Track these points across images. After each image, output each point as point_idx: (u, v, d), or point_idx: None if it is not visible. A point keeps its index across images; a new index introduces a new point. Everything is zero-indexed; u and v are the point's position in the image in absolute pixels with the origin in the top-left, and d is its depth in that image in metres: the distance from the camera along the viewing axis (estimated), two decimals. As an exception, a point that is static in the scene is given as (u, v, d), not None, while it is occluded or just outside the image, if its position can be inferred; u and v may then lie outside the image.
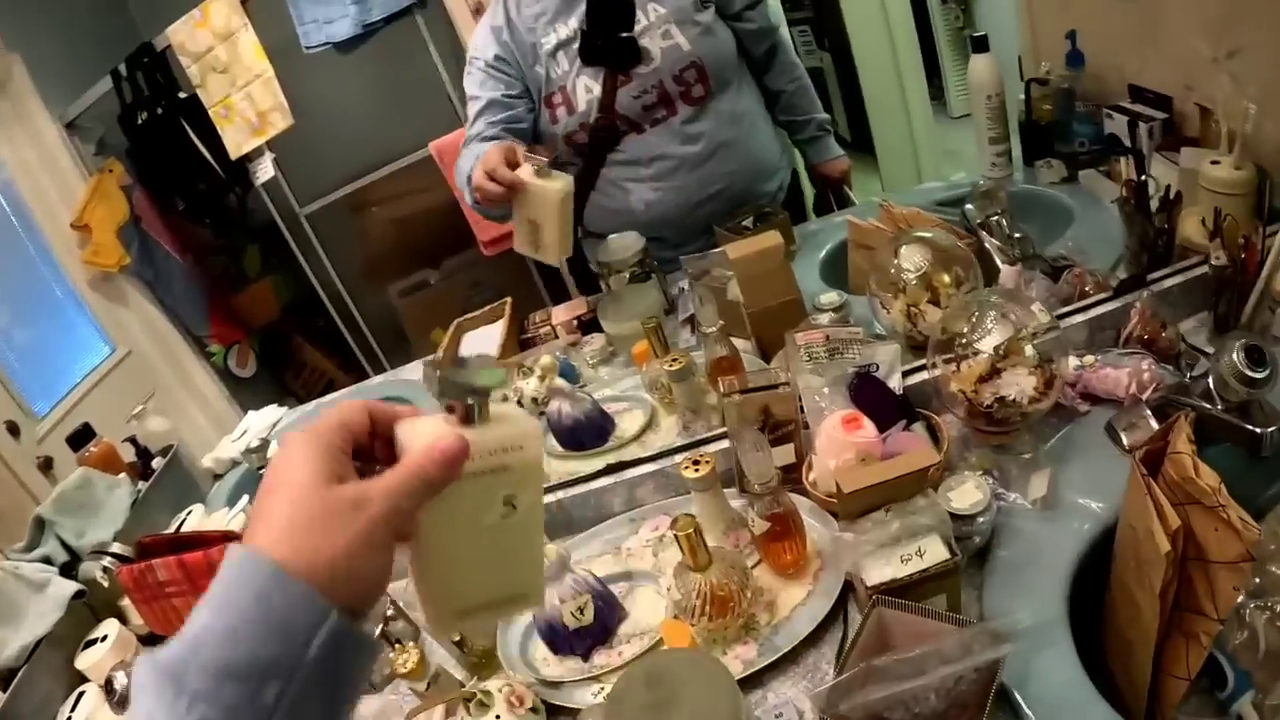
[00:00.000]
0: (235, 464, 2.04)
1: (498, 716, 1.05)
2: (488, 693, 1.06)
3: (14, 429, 2.23)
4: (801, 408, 1.25)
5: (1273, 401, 1.16)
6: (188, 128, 2.73)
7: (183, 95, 2.73)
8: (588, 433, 1.47)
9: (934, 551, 0.99)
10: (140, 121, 2.75)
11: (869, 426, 1.19)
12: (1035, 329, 1.24)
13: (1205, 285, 1.41)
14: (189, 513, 1.93)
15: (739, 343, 1.46)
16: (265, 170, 2.66)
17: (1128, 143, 1.63)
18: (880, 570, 0.99)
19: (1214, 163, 1.45)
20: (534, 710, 1.08)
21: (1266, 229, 1.32)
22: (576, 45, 1.70)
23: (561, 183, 1.50)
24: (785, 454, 1.24)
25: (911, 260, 1.44)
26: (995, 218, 1.53)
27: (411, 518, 0.58)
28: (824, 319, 1.43)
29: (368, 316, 2.90)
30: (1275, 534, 1.11)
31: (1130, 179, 1.49)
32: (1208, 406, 1.18)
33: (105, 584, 1.73)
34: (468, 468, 0.60)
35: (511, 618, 1.21)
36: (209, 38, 2.58)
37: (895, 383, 1.29)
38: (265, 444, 1.95)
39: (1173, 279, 1.43)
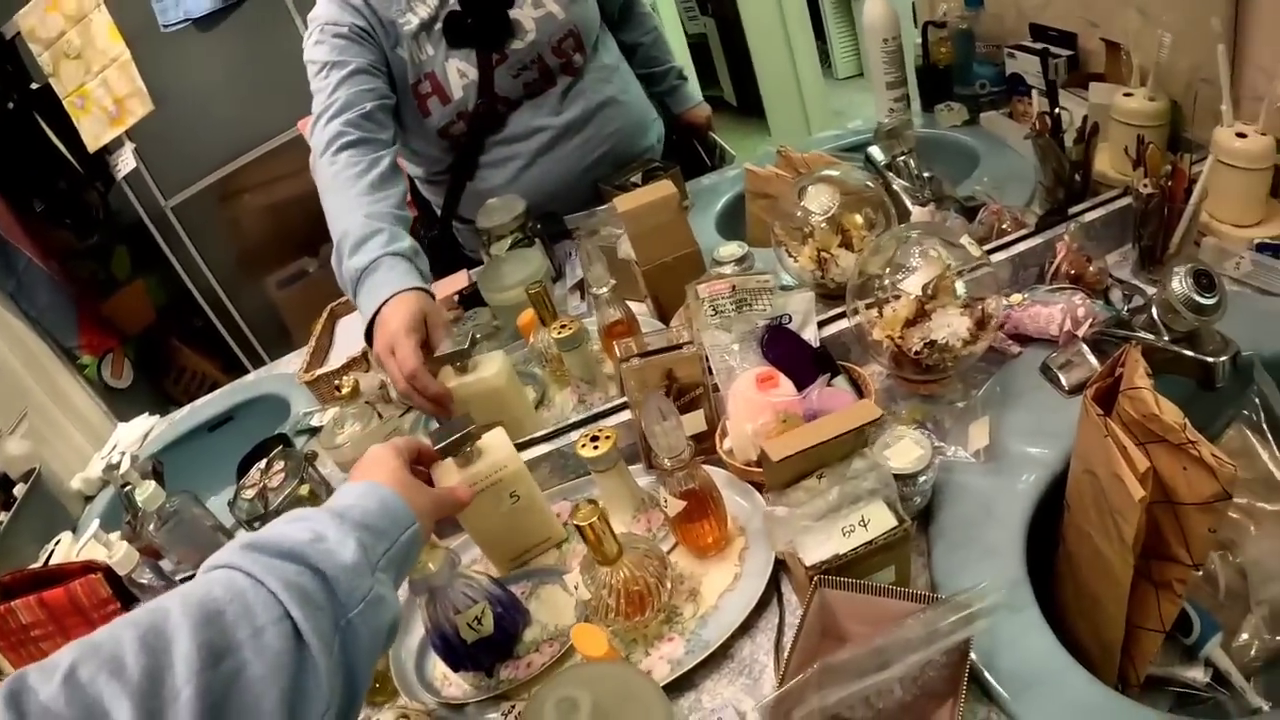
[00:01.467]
0: (105, 483, 1.83)
1: None
2: (380, 722, 0.90)
3: None
4: (709, 369, 1.11)
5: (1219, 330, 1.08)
6: (41, 122, 2.49)
7: (35, 86, 2.49)
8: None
9: (879, 519, 0.84)
10: (-10, 117, 2.49)
11: (786, 384, 1.05)
12: (964, 265, 1.12)
13: (1127, 218, 1.37)
14: (57, 542, 1.72)
15: (634, 305, 1.33)
16: (126, 162, 2.44)
17: (1031, 83, 1.59)
18: (820, 547, 0.85)
19: (1127, 95, 1.42)
20: None
21: (1192, 157, 1.27)
22: (439, 26, 1.50)
23: (496, 366, 1.21)
24: (695, 421, 1.11)
25: (818, 202, 1.32)
26: (902, 158, 1.45)
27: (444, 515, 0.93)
28: (726, 271, 1.27)
29: (245, 312, 2.69)
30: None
31: (1043, 112, 1.44)
32: (1152, 338, 1.09)
33: (-34, 628, 1.52)
34: (477, 489, 1.02)
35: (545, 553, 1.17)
36: (60, 21, 2.36)
37: (811, 334, 1.16)
38: (131, 458, 1.72)
39: (1094, 212, 1.38)
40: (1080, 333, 1.18)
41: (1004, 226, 1.40)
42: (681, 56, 1.93)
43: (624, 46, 1.78)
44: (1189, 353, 1.06)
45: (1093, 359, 1.15)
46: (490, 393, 1.18)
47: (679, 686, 0.91)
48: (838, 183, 1.32)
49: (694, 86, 1.94)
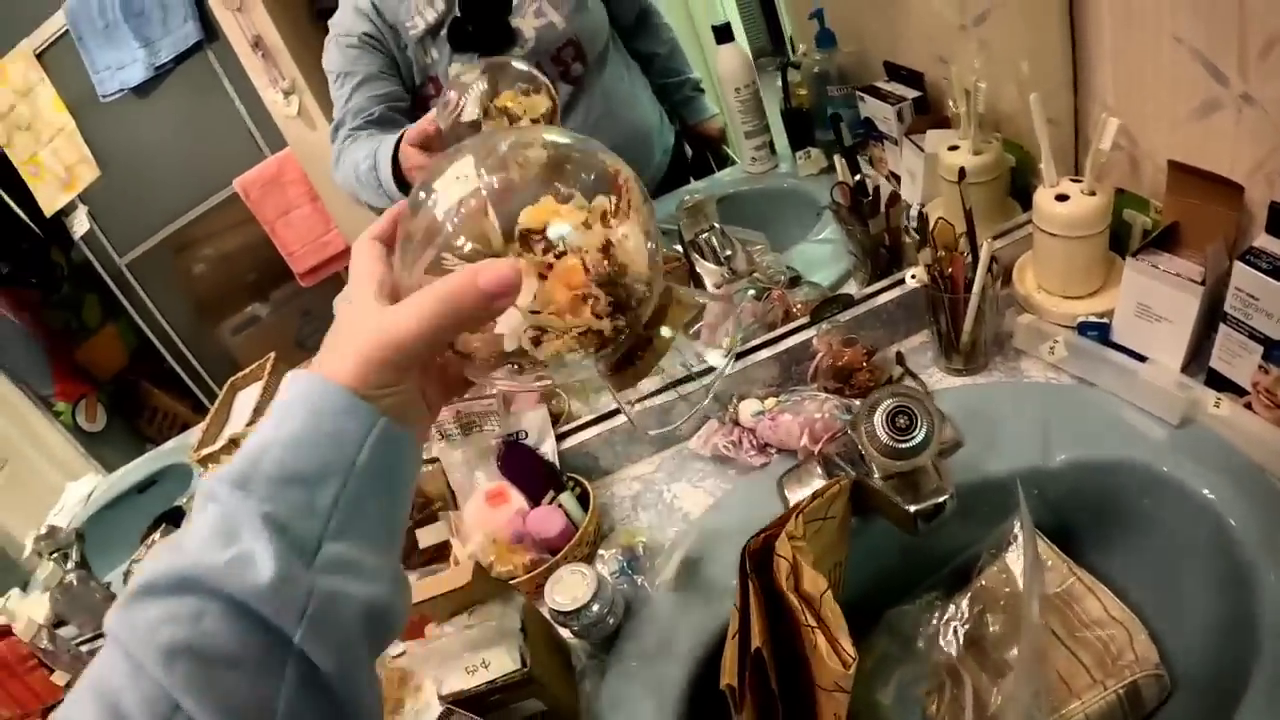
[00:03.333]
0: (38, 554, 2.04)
1: None
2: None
3: None
4: (448, 485, 1.23)
5: (958, 432, 1.02)
6: None
7: None
8: None
9: (499, 662, 0.96)
10: (-50, 189, 2.71)
11: (517, 498, 1.18)
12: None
13: (925, 300, 1.30)
14: (7, 598, 1.94)
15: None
16: (81, 224, 2.62)
17: (881, 129, 1.54)
18: (452, 679, 0.98)
19: (952, 148, 1.34)
20: None
21: (981, 231, 1.20)
22: (444, 33, 1.61)
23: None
24: (438, 531, 1.22)
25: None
26: (704, 235, 1.45)
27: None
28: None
29: (204, 358, 2.86)
30: (1001, 581, 1.06)
31: (843, 181, 1.42)
32: (863, 472, 1.02)
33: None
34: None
35: None
36: (10, 95, 2.53)
37: (549, 448, 1.26)
38: (50, 530, 1.94)
39: (885, 296, 1.33)
40: (816, 449, 1.15)
41: (792, 309, 1.38)
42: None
43: (639, 56, 1.82)
44: (890, 494, 0.98)
45: (820, 481, 1.09)
46: None
47: None
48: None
49: (708, 100, 1.95)
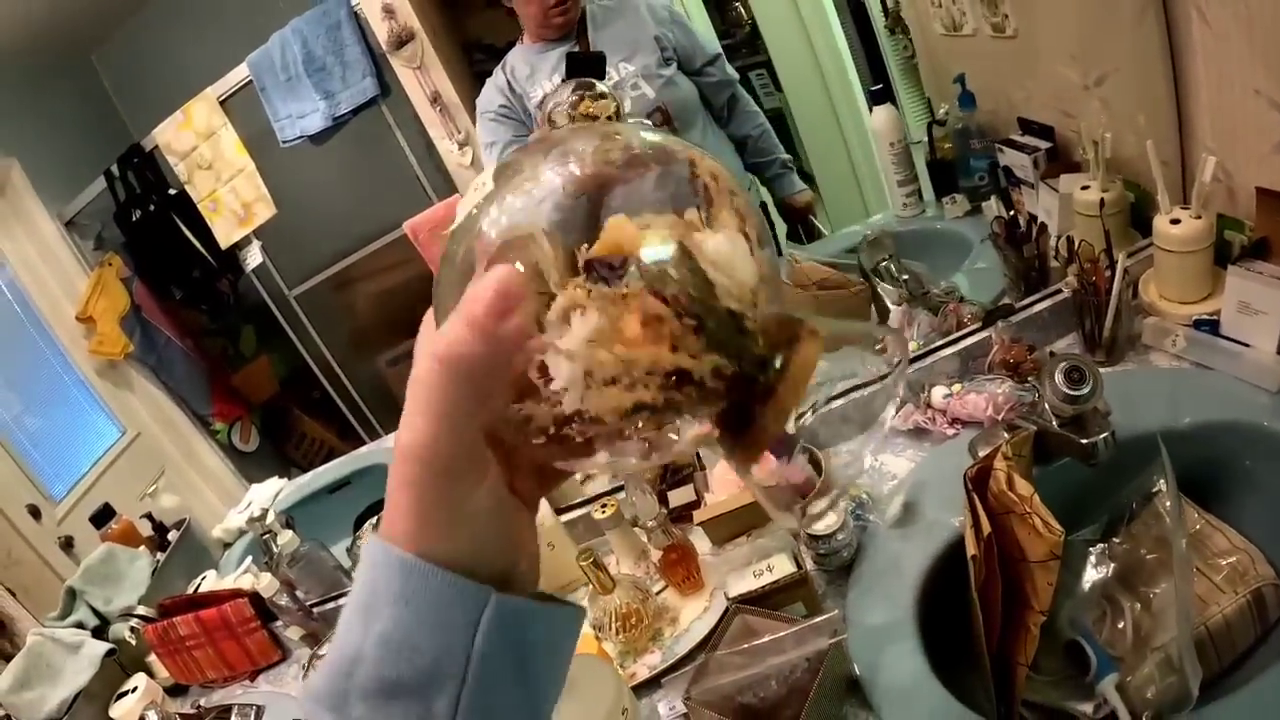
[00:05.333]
0: (242, 532, 2.40)
1: None
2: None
3: (35, 512, 2.54)
4: (698, 453, 1.60)
5: (1108, 404, 1.35)
6: (179, 221, 3.05)
7: (172, 191, 3.06)
8: None
9: (781, 567, 1.31)
10: (135, 218, 3.08)
11: (767, 459, 1.53)
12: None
13: (1071, 308, 1.65)
14: (203, 578, 2.29)
15: None
16: (254, 257, 3.01)
17: (1019, 175, 1.87)
18: (739, 584, 1.33)
19: (1084, 188, 1.68)
20: None
21: (1116, 248, 1.54)
22: None
23: None
24: (685, 493, 1.57)
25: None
26: (884, 263, 1.82)
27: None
28: None
29: (359, 386, 3.23)
30: (1147, 525, 1.35)
31: (1000, 215, 1.76)
32: (1044, 423, 1.39)
33: (133, 642, 2.11)
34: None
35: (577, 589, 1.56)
36: (192, 137, 2.92)
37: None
38: (265, 513, 2.31)
39: (1041, 304, 1.68)
40: (1000, 417, 1.51)
41: (964, 320, 1.73)
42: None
43: (735, 140, 2.23)
44: (1070, 435, 1.34)
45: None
46: None
47: (655, 684, 1.36)
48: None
49: (797, 176, 2.30)
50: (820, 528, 1.39)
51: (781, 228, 2.41)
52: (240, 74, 2.89)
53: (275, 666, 2.07)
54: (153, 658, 2.13)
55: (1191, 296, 1.60)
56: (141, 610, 2.15)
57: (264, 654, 2.06)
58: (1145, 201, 1.68)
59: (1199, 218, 1.53)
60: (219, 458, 3.06)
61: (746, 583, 1.31)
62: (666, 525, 1.44)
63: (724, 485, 1.48)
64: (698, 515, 1.35)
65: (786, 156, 2.30)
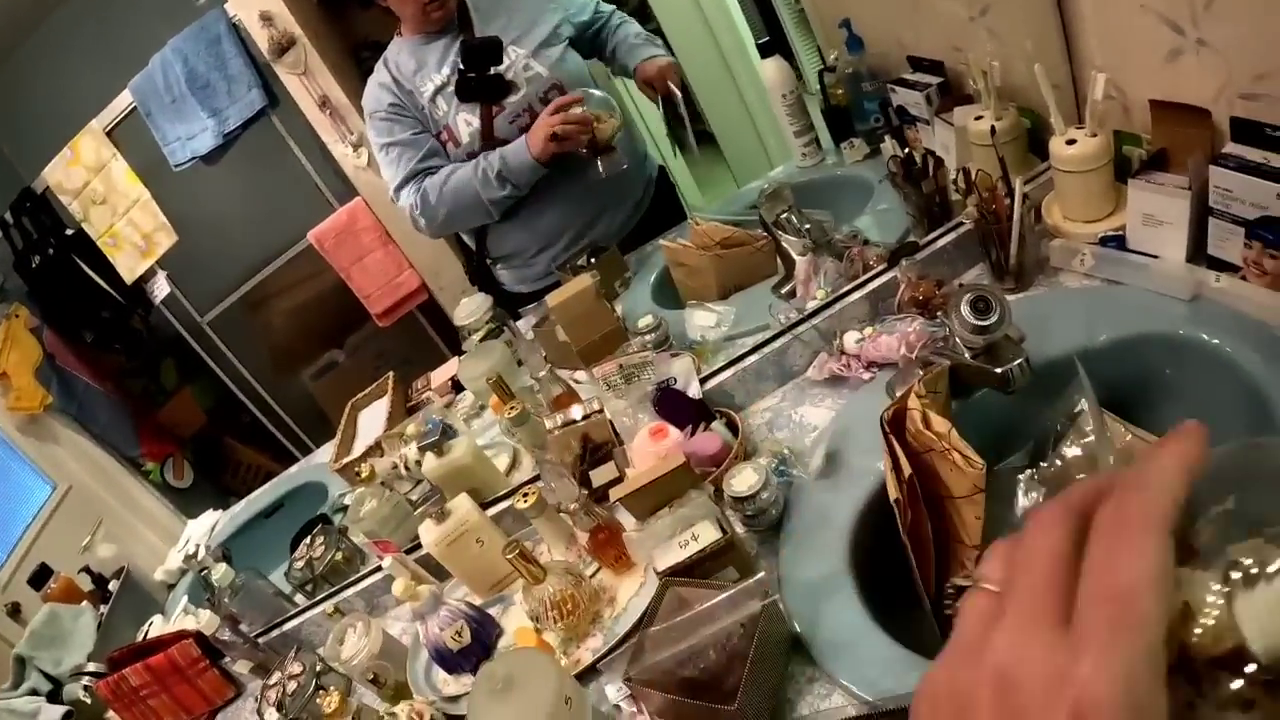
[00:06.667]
0: (184, 572, 2.41)
1: None
2: (393, 713, 1.42)
3: None
4: (614, 429, 1.61)
5: (1021, 330, 1.35)
6: (80, 262, 3.04)
7: (70, 231, 3.04)
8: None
9: (706, 534, 1.31)
10: (35, 264, 3.05)
11: (674, 433, 1.55)
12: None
13: (975, 239, 1.66)
14: (150, 624, 2.30)
15: (585, 372, 1.81)
16: (162, 288, 2.99)
17: (913, 114, 1.89)
18: (666, 557, 1.33)
19: (978, 118, 1.70)
20: None
21: (1013, 174, 1.55)
22: (450, 88, 2.09)
23: (462, 448, 1.78)
24: (607, 471, 1.57)
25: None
26: (785, 215, 1.81)
27: None
28: (647, 339, 1.77)
29: (286, 406, 3.23)
30: (1073, 446, 1.30)
31: (895, 155, 1.77)
32: (957, 357, 1.38)
33: (88, 700, 2.10)
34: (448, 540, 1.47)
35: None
36: (83, 173, 2.90)
37: (694, 390, 1.63)
38: (205, 548, 2.31)
39: (944, 239, 1.69)
40: (914, 355, 1.51)
41: (869, 263, 1.74)
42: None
43: (605, 54, 2.29)
44: (984, 365, 1.33)
45: (922, 375, 1.44)
46: (461, 469, 1.70)
47: (599, 669, 1.39)
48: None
49: (655, 46, 2.29)
50: (741, 488, 1.40)
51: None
52: (124, 101, 2.88)
53: (232, 703, 2.08)
54: (111, 714, 2.13)
55: (1095, 215, 1.63)
56: (91, 667, 2.14)
57: (218, 692, 2.06)
58: (1042, 126, 1.71)
59: (1095, 136, 1.56)
60: (155, 498, 3.05)
61: (673, 555, 1.33)
62: (589, 506, 1.46)
63: (644, 459, 1.50)
64: (614, 493, 1.37)
65: (642, 30, 2.34)
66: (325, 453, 2.42)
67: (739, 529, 1.45)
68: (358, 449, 2.13)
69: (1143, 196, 1.47)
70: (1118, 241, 1.54)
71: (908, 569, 1.25)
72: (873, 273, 1.72)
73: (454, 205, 2.14)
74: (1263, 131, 1.29)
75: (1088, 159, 1.55)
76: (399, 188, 2.19)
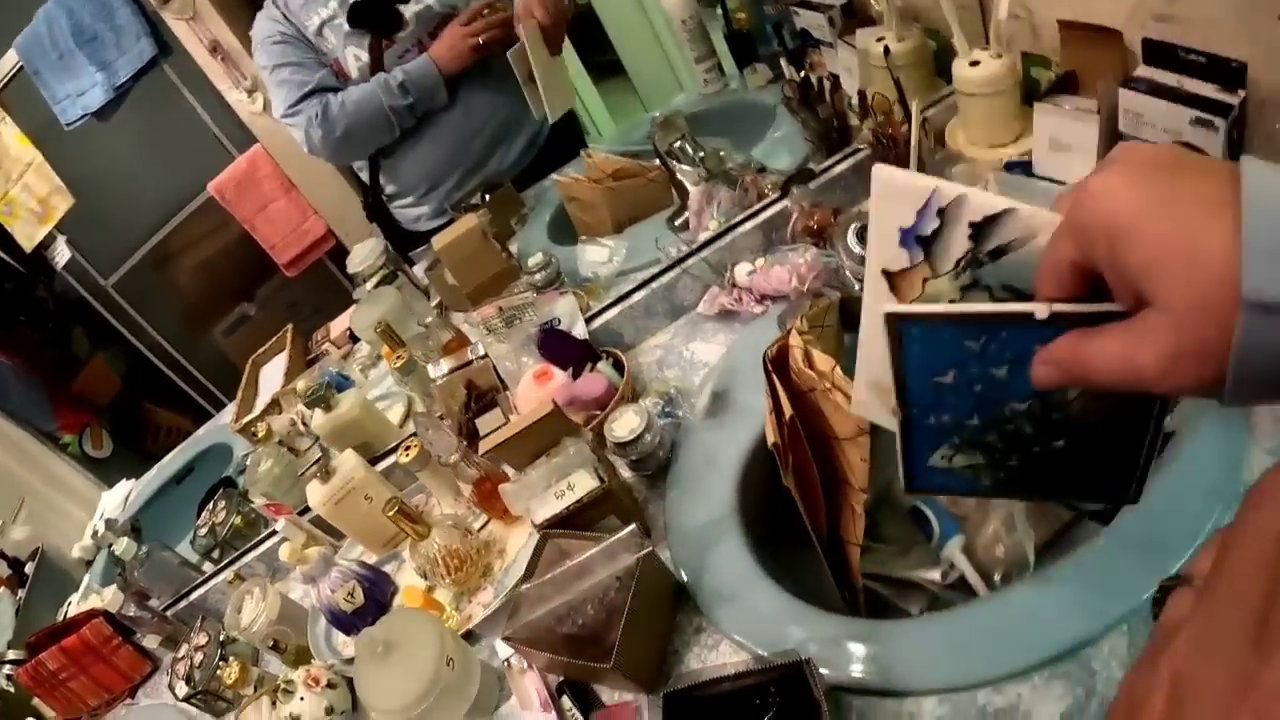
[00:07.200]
0: (99, 548, 2.32)
1: (300, 697, 1.32)
2: (290, 680, 1.35)
3: None
4: (499, 374, 1.54)
5: None
6: None
7: None
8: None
9: (582, 484, 1.24)
10: (-74, 242, 2.96)
11: (559, 376, 1.47)
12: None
13: (873, 164, 1.62)
14: (69, 603, 2.22)
15: (473, 316, 1.74)
16: (62, 254, 2.88)
17: (817, 36, 1.83)
18: (544, 508, 1.25)
19: (879, 40, 1.63)
20: (331, 685, 1.35)
21: (909, 97, 1.48)
22: (339, 20, 2.03)
23: (349, 402, 1.70)
24: (495, 418, 1.51)
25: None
26: (678, 144, 1.75)
27: None
28: (536, 279, 1.70)
29: (201, 365, 3.15)
30: None
31: (790, 78, 1.70)
32: (847, 290, 1.35)
33: (12, 690, 2.04)
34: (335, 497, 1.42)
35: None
36: (-30, 139, 2.78)
37: (579, 330, 1.57)
38: (109, 523, 2.23)
39: (840, 165, 1.63)
40: (805, 287, 1.45)
41: (764, 191, 1.67)
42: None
43: None
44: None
45: (811, 308, 1.39)
46: (349, 423, 1.63)
47: (493, 621, 1.33)
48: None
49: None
50: (622, 433, 1.33)
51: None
52: (10, 61, 2.75)
53: (150, 678, 2.01)
54: (37, 700, 2.06)
55: (1000, 140, 1.56)
56: (11, 655, 2.06)
57: (135, 669, 1.99)
58: (947, 49, 1.63)
59: (1000, 57, 1.49)
60: (76, 471, 2.95)
61: (550, 506, 1.26)
62: (469, 456, 1.39)
63: (529, 404, 1.43)
64: (483, 445, 1.29)
65: None
66: (229, 412, 2.32)
67: (626, 474, 1.38)
68: (258, 407, 2.04)
69: (1050, 120, 1.41)
70: (1024, 167, 1.48)
71: (797, 513, 1.18)
72: (765, 201, 1.65)
73: (355, 118, 2.06)
74: (1176, 54, 1.23)
75: (992, 81, 1.48)
76: (293, 106, 2.09)
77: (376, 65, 2.05)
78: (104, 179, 2.86)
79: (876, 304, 0.64)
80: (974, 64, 1.48)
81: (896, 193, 0.64)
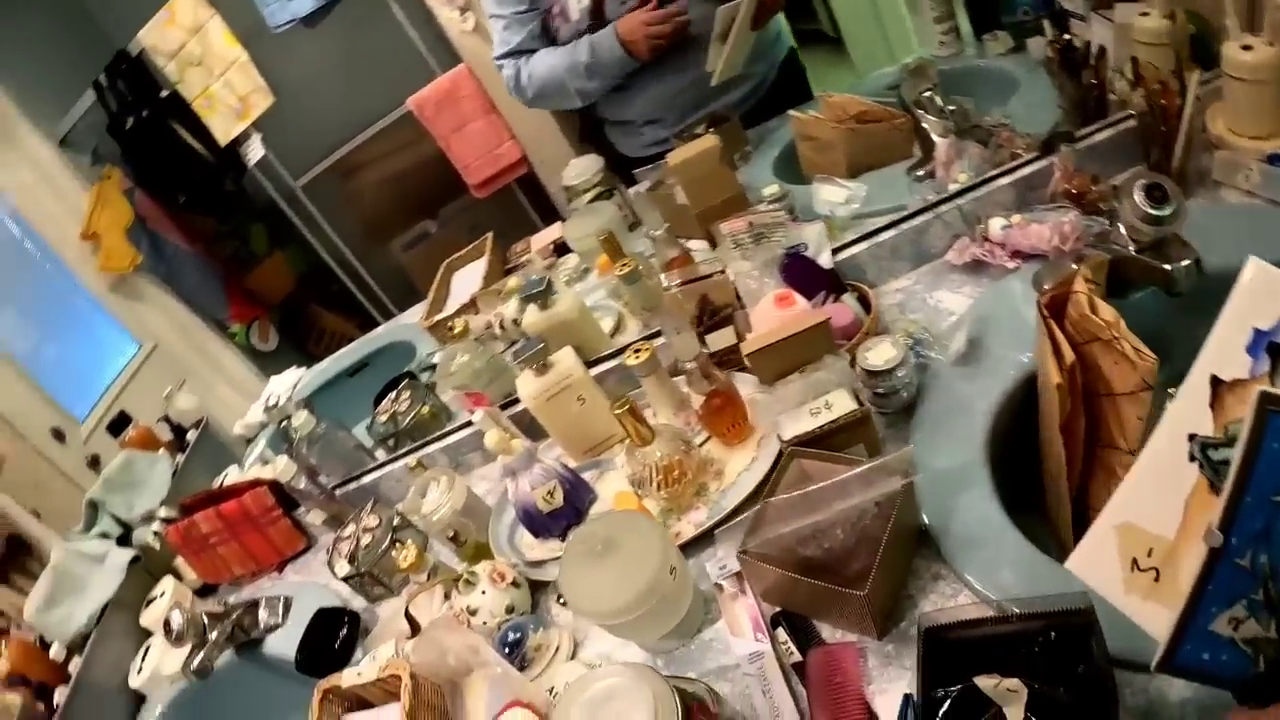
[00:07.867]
0: (264, 426, 2.32)
1: (483, 591, 1.29)
2: (474, 572, 1.31)
3: (59, 435, 2.49)
4: (737, 292, 1.46)
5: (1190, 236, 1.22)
6: (175, 124, 2.96)
7: (164, 94, 2.95)
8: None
9: (841, 404, 1.18)
10: (128, 126, 2.99)
11: (801, 302, 1.39)
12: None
13: (1136, 137, 1.52)
14: (225, 474, 2.23)
15: (697, 241, 1.70)
16: (256, 151, 2.89)
17: (1068, 7, 1.70)
18: (794, 425, 1.19)
19: (1143, 15, 1.53)
20: (515, 585, 1.32)
21: (1186, 72, 1.40)
22: None
23: (568, 302, 1.66)
24: (726, 335, 1.44)
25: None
26: (927, 94, 1.66)
27: None
28: (764, 208, 1.62)
29: (376, 275, 3.16)
30: None
31: (1053, 40, 1.63)
32: (1120, 249, 1.26)
33: (157, 546, 2.05)
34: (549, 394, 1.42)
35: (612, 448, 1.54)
36: (180, 34, 2.80)
37: (825, 259, 1.49)
38: (285, 400, 2.22)
39: (1101, 133, 1.55)
40: (1067, 247, 1.38)
41: (1017, 151, 1.59)
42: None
43: None
44: (1151, 260, 1.21)
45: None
46: (565, 324, 1.59)
47: (702, 542, 1.26)
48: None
49: None
50: (877, 362, 1.26)
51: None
52: (223, -40, 2.77)
53: (301, 555, 2.00)
54: (180, 560, 2.05)
55: (1264, 130, 1.45)
56: (163, 512, 2.07)
57: (288, 543, 1.98)
58: (1207, 34, 1.53)
59: (1272, 45, 1.38)
60: (239, 360, 3.01)
61: (802, 423, 1.19)
62: (708, 367, 1.32)
63: (767, 326, 1.35)
64: (744, 347, 1.22)
65: None
66: (414, 314, 2.31)
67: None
68: (450, 308, 2.00)
69: (1321, 116, 1.31)
70: (1287, 161, 1.38)
71: (1041, 470, 1.14)
72: (1025, 159, 1.57)
73: (541, 92, 2.12)
74: None
75: (1262, 69, 1.38)
76: (499, 58, 2.14)
77: (598, 7, 2.01)
78: (304, 84, 2.87)
79: (1184, 417, 0.52)
80: (1246, 48, 1.38)
81: (1268, 287, 0.52)
